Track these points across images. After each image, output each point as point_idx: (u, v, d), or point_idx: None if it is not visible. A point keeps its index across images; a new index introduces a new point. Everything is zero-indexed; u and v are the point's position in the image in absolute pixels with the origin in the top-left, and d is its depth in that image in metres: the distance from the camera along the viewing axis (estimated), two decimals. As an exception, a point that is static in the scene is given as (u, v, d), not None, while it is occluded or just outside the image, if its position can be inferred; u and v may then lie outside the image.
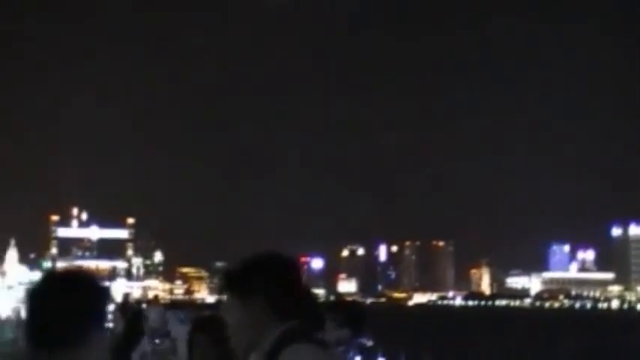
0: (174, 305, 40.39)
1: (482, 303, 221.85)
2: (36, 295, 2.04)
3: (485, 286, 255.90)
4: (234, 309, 2.28)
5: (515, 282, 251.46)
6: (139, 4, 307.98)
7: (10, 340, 27.51)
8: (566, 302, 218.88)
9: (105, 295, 2.09)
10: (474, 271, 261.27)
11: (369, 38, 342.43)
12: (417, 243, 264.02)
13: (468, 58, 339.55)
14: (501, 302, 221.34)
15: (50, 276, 2.17)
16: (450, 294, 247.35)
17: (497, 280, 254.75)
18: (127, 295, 26.36)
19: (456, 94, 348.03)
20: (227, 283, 2.34)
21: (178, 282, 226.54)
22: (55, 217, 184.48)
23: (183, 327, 9.86)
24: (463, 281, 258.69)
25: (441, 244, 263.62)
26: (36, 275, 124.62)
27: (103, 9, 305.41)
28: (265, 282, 2.27)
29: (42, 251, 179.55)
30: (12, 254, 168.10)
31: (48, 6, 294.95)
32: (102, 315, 2.08)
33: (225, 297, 2.36)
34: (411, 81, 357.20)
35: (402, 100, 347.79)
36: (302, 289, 2.36)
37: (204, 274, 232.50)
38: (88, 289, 2.05)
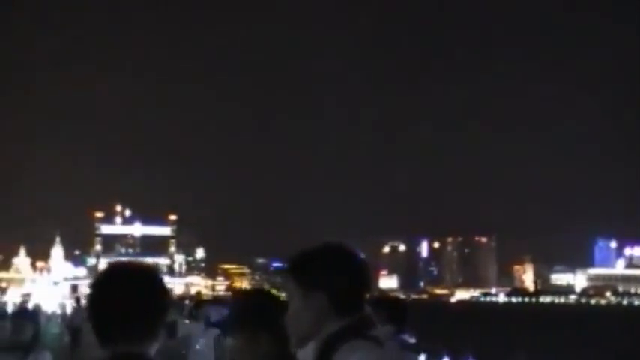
0: (216, 301, 40.58)
1: (526, 299, 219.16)
2: (104, 287, 2.03)
3: (529, 283, 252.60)
4: (295, 297, 2.27)
5: (559, 278, 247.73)
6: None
7: (56, 335, 27.91)
8: (613, 299, 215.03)
9: (166, 288, 2.09)
10: (517, 267, 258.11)
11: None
12: (459, 239, 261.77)
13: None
14: (545, 299, 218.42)
15: (117, 268, 2.11)
16: (493, 290, 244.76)
17: (540, 277, 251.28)
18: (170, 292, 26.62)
19: (501, 92, 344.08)
20: (291, 271, 2.30)
21: (220, 278, 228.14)
22: (99, 215, 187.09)
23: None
24: (506, 277, 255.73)
25: (483, 239, 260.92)
26: (81, 271, 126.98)
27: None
28: (329, 277, 2.23)
29: (86, 248, 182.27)
30: (57, 251, 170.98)
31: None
32: (167, 308, 2.07)
33: (284, 280, 2.33)
34: (450, 78, 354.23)
35: (443, 93, 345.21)
36: (365, 285, 2.31)
37: (245, 270, 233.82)
38: (153, 281, 2.05)
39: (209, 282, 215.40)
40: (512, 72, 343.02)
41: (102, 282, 2.04)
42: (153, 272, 2.09)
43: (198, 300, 10.56)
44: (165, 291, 2.07)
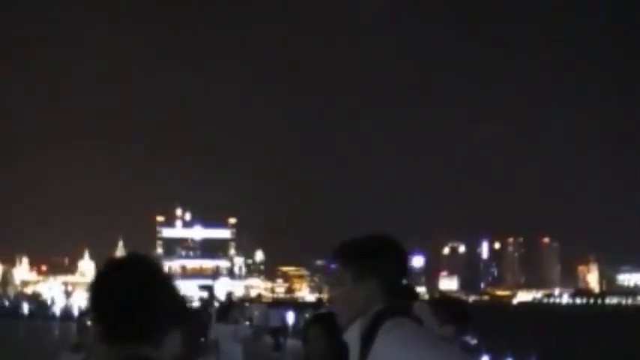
0: (276, 303, 40.90)
1: (591, 301, 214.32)
2: (99, 284, 1.89)
3: (594, 284, 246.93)
4: (345, 283, 2.44)
5: (626, 279, 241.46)
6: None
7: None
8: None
9: (170, 283, 1.93)
10: (581, 267, 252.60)
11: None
12: (520, 239, 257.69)
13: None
14: (612, 300, 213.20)
15: (111, 262, 1.96)
16: (556, 291, 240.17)
17: (606, 277, 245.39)
18: (230, 294, 26.90)
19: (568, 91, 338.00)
20: (342, 258, 2.48)
21: (279, 280, 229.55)
22: (160, 218, 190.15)
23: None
24: (570, 278, 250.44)
25: (545, 240, 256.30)
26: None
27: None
28: (380, 265, 2.41)
29: (148, 251, 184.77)
30: (120, 254, 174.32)
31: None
32: (168, 298, 1.91)
33: (336, 268, 2.50)
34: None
35: (503, 93, 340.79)
36: (407, 272, 2.50)
37: (304, 272, 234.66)
38: (148, 271, 1.91)
39: (269, 284, 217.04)
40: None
41: (96, 279, 1.90)
42: (148, 262, 1.93)
43: (228, 302, 10.47)
44: (165, 281, 1.91)
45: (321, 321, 3.68)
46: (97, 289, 1.87)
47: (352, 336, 2.39)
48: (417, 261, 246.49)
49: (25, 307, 41.10)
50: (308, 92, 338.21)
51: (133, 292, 1.83)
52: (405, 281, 2.49)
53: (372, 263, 2.42)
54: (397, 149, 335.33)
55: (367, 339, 2.29)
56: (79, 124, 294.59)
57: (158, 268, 1.92)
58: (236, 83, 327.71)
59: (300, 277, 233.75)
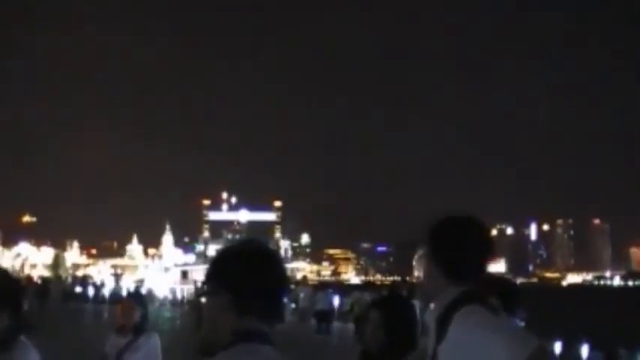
0: (322, 286, 40.90)
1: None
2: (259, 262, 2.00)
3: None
4: (424, 262, 2.51)
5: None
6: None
7: (168, 318, 28.80)
8: None
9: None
10: (634, 249, 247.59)
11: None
12: (570, 221, 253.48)
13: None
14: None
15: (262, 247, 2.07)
16: (607, 274, 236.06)
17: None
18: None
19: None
20: (426, 234, 2.52)
21: (325, 263, 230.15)
22: (206, 202, 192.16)
23: None
24: (621, 260, 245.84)
25: (596, 221, 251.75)
26: (190, 258, 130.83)
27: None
28: (449, 245, 2.44)
29: (195, 235, 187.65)
30: (167, 238, 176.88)
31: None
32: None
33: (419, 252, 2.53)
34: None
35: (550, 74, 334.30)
36: (484, 253, 2.46)
37: (350, 255, 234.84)
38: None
39: (314, 267, 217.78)
40: None
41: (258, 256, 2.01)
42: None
43: None
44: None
45: (380, 306, 3.58)
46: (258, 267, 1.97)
47: (429, 319, 2.45)
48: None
49: (90, 291, 41.91)
50: (347, 79, 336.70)
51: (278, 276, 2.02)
52: (483, 263, 2.44)
53: (440, 247, 2.45)
54: (442, 131, 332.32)
55: (442, 323, 2.33)
56: (126, 111, 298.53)
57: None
58: (283, 71, 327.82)
59: (347, 259, 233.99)
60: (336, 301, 26.86)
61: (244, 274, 1.93)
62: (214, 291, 1.96)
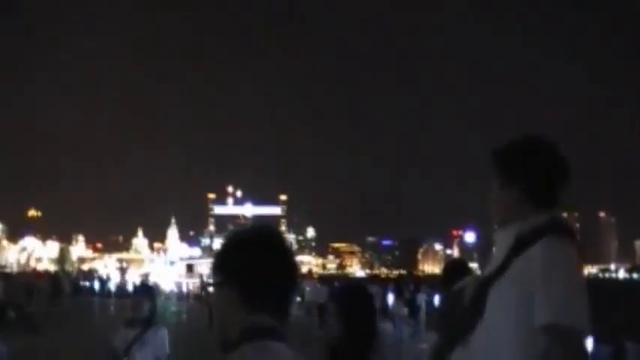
0: (328, 279, 41.00)
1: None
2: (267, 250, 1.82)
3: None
4: (494, 186, 2.37)
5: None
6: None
7: (174, 313, 28.89)
8: None
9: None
10: (639, 242, 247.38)
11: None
12: (576, 214, 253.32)
13: None
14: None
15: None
16: (612, 267, 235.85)
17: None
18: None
19: None
20: (493, 161, 2.36)
21: (331, 257, 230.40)
22: (211, 196, 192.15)
23: None
24: (627, 254, 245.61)
25: (602, 214, 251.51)
26: (195, 252, 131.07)
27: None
28: (526, 170, 2.30)
29: (200, 229, 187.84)
30: (173, 232, 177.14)
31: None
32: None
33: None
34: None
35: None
36: (563, 178, 2.35)
37: (355, 248, 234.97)
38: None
39: (320, 261, 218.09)
40: None
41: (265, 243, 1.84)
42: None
43: None
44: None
45: (337, 297, 3.65)
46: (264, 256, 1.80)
47: (502, 237, 2.33)
48: (470, 237, 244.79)
49: (97, 285, 41.99)
50: (351, 69, 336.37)
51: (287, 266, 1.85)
52: (560, 188, 2.33)
53: (516, 168, 2.32)
54: (447, 125, 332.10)
55: (523, 243, 2.21)
56: (130, 104, 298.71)
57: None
58: (292, 60, 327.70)
59: (352, 253, 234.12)
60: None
61: (253, 264, 1.77)
62: (221, 284, 1.81)
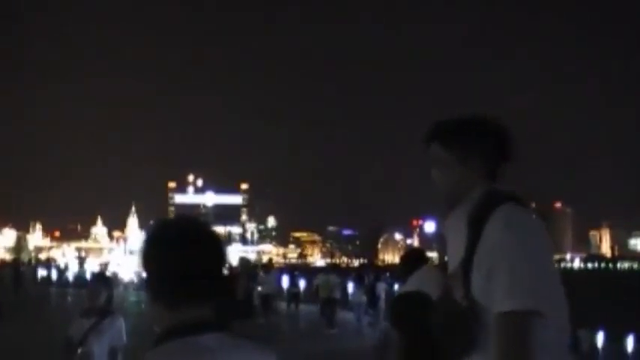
0: (288, 269, 41.11)
1: (602, 265, 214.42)
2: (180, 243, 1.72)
3: (606, 249, 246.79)
4: (444, 163, 2.32)
5: (638, 244, 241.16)
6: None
7: (133, 302, 28.68)
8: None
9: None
10: (593, 232, 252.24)
11: None
12: (532, 204, 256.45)
13: None
14: (623, 265, 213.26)
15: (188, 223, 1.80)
16: (568, 256, 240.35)
17: (618, 242, 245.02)
18: (243, 260, 26.65)
19: None
20: (444, 137, 2.32)
21: (292, 246, 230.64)
22: (172, 184, 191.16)
23: None
24: (582, 244, 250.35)
25: (558, 205, 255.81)
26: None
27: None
28: (484, 144, 2.29)
29: (160, 217, 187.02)
30: (133, 221, 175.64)
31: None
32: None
33: (431, 147, 2.34)
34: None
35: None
36: (508, 153, 2.33)
37: (317, 238, 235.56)
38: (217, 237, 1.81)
39: (281, 250, 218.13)
40: None
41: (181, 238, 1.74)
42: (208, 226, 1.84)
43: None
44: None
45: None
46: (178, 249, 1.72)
47: (455, 221, 2.27)
48: (429, 227, 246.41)
49: (54, 274, 41.48)
50: (324, 60, 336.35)
51: (211, 257, 1.76)
52: (503, 165, 2.32)
53: (475, 144, 2.29)
54: (398, 114, 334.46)
55: (476, 223, 2.15)
56: (94, 92, 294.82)
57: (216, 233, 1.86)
58: (252, 50, 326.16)
59: (313, 242, 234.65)
60: (302, 283, 26.92)
61: (161, 260, 1.70)
62: (145, 283, 1.74)
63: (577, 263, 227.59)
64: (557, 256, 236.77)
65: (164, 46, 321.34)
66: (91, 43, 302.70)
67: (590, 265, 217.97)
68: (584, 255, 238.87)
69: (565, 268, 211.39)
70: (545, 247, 2.12)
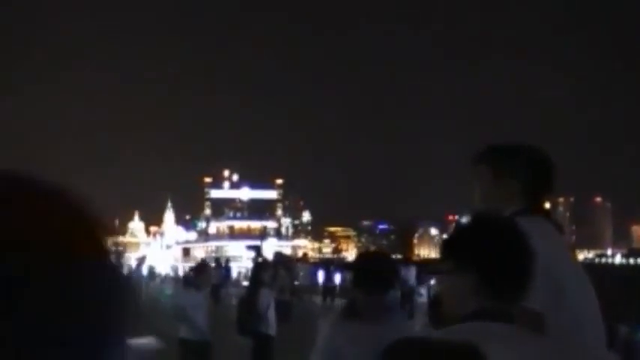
0: (323, 263, 40.93)
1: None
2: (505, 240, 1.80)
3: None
4: (486, 183, 2.42)
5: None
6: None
7: (169, 295, 28.81)
8: None
9: None
10: (635, 227, 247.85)
11: None
12: (572, 199, 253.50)
13: None
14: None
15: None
16: (609, 251, 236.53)
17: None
18: (279, 254, 26.46)
19: None
20: (486, 159, 2.45)
21: (326, 241, 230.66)
22: (208, 179, 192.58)
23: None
24: (623, 238, 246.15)
25: (598, 199, 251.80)
26: (191, 235, 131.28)
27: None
28: (520, 168, 2.39)
29: (196, 212, 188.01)
30: (169, 216, 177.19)
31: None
32: None
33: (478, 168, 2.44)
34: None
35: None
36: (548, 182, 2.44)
37: (351, 232, 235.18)
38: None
39: (316, 245, 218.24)
40: None
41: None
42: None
43: (200, 265, 9.48)
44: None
45: None
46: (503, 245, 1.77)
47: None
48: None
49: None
50: (357, 54, 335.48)
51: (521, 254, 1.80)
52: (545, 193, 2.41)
53: (513, 167, 2.38)
54: (445, 113, 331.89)
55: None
56: (126, 89, 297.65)
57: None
58: (284, 45, 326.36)
59: (347, 237, 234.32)
60: (338, 278, 26.80)
61: (494, 251, 1.75)
62: (456, 270, 1.78)
63: (618, 259, 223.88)
64: (597, 252, 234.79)
65: (200, 38, 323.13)
66: (129, 33, 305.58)
67: (632, 261, 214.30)
68: (625, 250, 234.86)
69: (606, 263, 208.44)
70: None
